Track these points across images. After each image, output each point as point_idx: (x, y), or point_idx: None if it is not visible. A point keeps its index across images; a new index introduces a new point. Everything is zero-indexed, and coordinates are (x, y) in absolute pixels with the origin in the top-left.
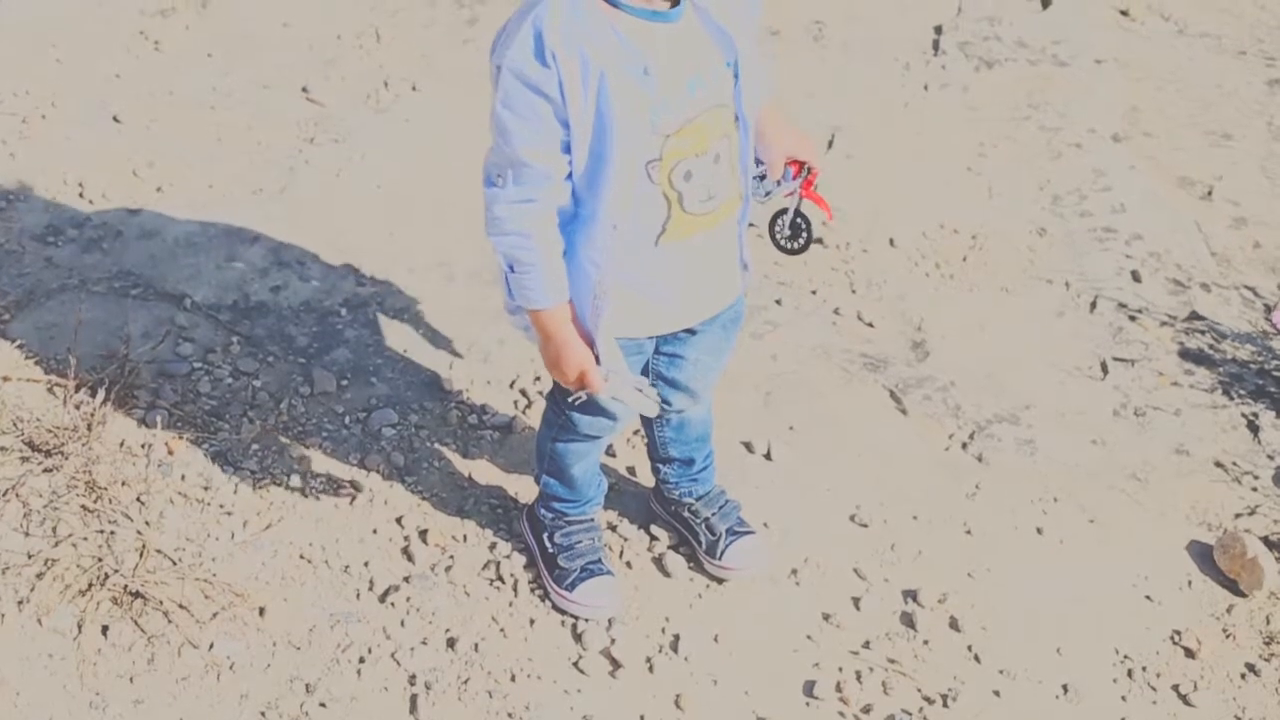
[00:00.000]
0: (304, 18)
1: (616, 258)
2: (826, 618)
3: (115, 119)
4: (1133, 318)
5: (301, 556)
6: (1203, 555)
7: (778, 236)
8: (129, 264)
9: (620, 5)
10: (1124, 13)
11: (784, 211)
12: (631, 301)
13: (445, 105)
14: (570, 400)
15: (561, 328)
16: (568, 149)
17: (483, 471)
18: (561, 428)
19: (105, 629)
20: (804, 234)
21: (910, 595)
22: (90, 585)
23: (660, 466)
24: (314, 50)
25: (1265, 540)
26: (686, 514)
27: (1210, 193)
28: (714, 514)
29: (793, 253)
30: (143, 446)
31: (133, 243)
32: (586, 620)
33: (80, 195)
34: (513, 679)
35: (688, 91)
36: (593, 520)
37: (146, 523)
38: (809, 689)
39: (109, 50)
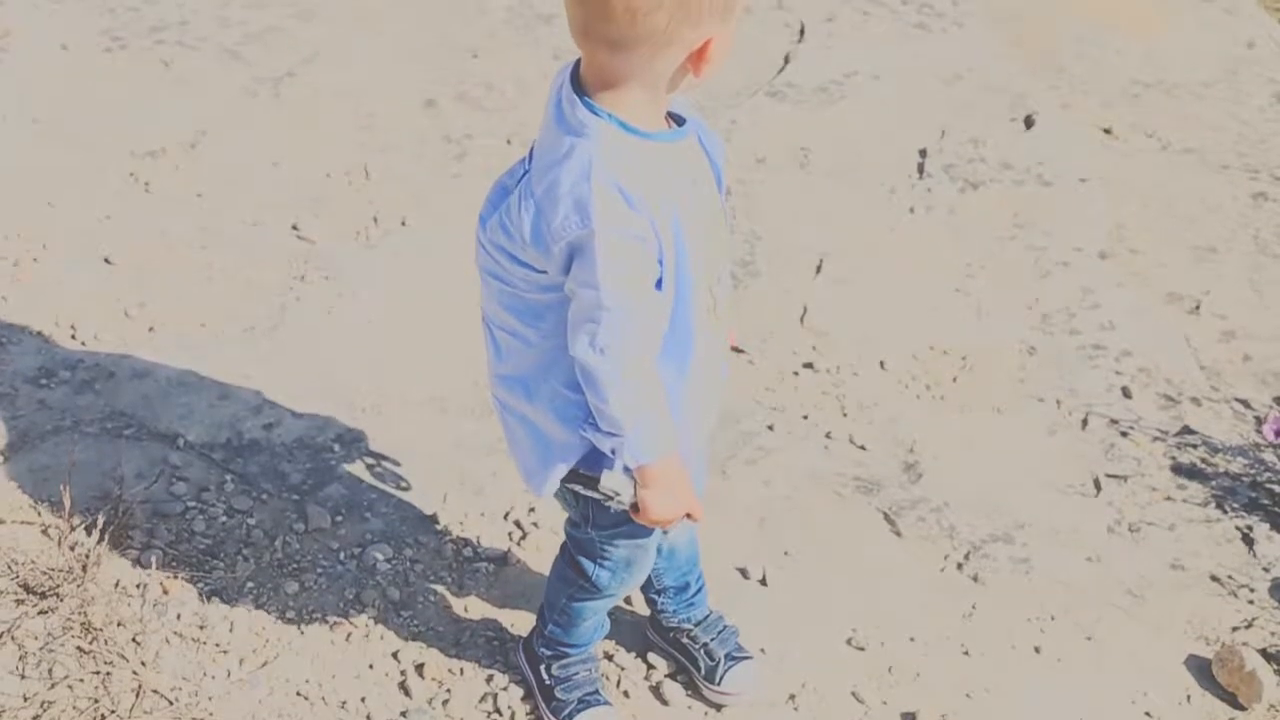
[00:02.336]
0: (293, 156)
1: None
2: None
3: (106, 260)
4: (1124, 434)
5: (298, 693)
6: (1201, 669)
7: None
8: (122, 404)
9: (651, 136)
10: (1107, 131)
11: None
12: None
13: (435, 239)
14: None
15: (679, 463)
16: (659, 284)
17: (478, 604)
18: (581, 587)
19: None
20: None
21: (909, 718)
22: None
23: (655, 597)
24: (303, 188)
25: (1263, 653)
26: (685, 640)
27: (1198, 307)
28: (713, 639)
29: None
30: (138, 587)
31: (125, 383)
32: None
33: (72, 337)
34: None
35: (711, 196)
36: (591, 652)
37: (143, 663)
38: None
39: (99, 192)
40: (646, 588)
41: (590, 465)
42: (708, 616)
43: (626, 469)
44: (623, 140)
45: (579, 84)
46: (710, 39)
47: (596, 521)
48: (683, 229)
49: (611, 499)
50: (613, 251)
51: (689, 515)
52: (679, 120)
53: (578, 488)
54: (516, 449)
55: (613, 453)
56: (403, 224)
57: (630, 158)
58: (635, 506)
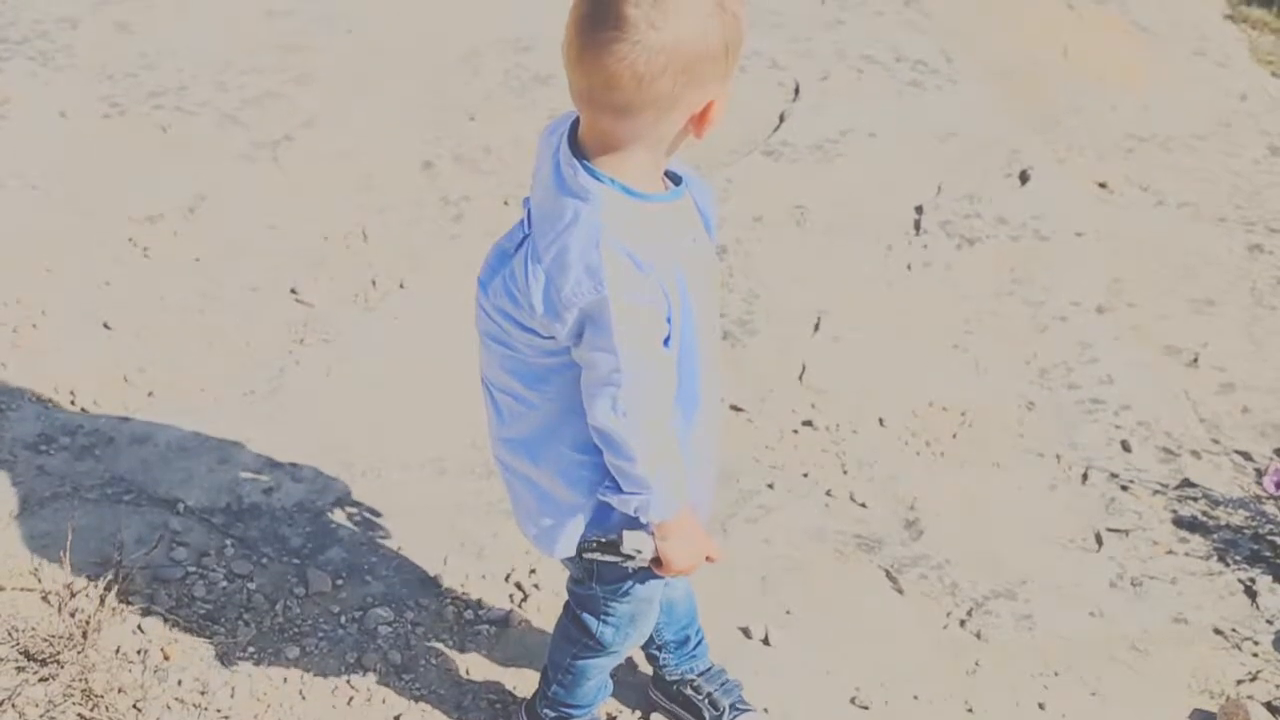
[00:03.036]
0: (291, 220)
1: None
2: None
3: (106, 326)
4: (1125, 488)
5: None
6: None
7: None
8: (121, 470)
9: (651, 198)
10: (1102, 185)
11: None
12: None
13: (433, 301)
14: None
15: (691, 517)
16: (667, 342)
17: (480, 667)
18: (585, 645)
19: None
20: None
21: None
22: None
23: (656, 653)
24: (301, 251)
25: (1268, 706)
26: (689, 691)
27: (1196, 360)
28: (716, 689)
29: None
30: (139, 653)
31: (125, 449)
32: None
33: (72, 403)
34: None
35: (708, 249)
36: (595, 714)
37: None
38: None
39: (98, 258)
40: (647, 644)
41: (597, 526)
42: (710, 668)
43: (644, 524)
44: (626, 204)
45: (576, 146)
46: (712, 101)
47: (601, 577)
48: (687, 285)
49: (633, 557)
50: (626, 315)
51: (708, 558)
52: (675, 178)
53: (596, 555)
54: (522, 511)
55: (636, 511)
56: (401, 286)
57: (634, 221)
58: (656, 561)
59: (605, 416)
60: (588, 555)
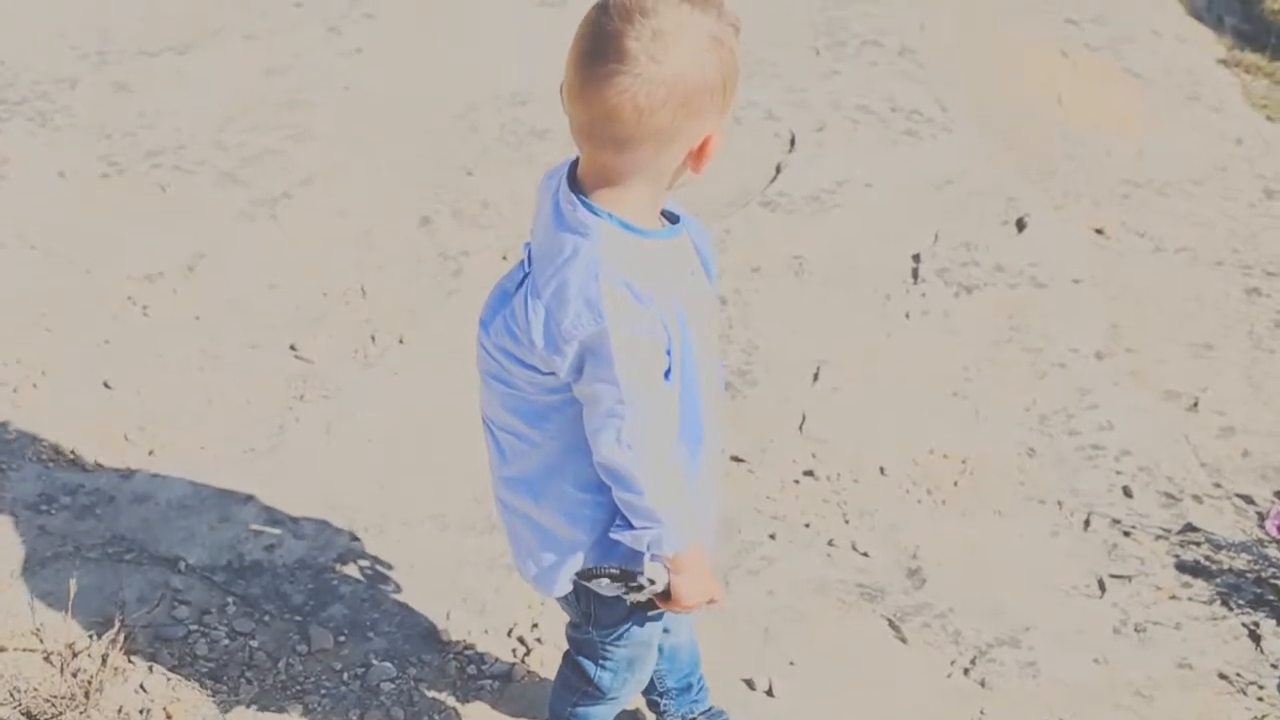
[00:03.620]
0: (290, 277)
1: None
2: None
3: (106, 385)
4: (1127, 533)
5: None
6: None
7: None
8: (122, 529)
9: (649, 234)
10: (1099, 231)
11: None
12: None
13: (433, 357)
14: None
15: (701, 552)
16: (668, 375)
17: None
18: (585, 693)
19: None
20: None
21: None
22: None
23: (658, 699)
24: (301, 309)
25: None
26: None
27: (1196, 404)
28: None
29: None
30: (141, 712)
31: (126, 507)
32: None
33: (73, 462)
34: None
35: (705, 286)
36: None
37: None
38: None
39: (98, 317)
40: (649, 691)
41: (601, 559)
42: (711, 708)
43: (654, 557)
44: (624, 239)
45: (575, 183)
46: (710, 135)
47: (598, 620)
48: (686, 319)
49: (644, 587)
50: (627, 347)
51: (710, 600)
52: (672, 218)
53: (604, 581)
54: (522, 550)
55: (649, 547)
56: (400, 342)
57: (633, 256)
58: (664, 595)
59: (610, 450)
60: (597, 578)
